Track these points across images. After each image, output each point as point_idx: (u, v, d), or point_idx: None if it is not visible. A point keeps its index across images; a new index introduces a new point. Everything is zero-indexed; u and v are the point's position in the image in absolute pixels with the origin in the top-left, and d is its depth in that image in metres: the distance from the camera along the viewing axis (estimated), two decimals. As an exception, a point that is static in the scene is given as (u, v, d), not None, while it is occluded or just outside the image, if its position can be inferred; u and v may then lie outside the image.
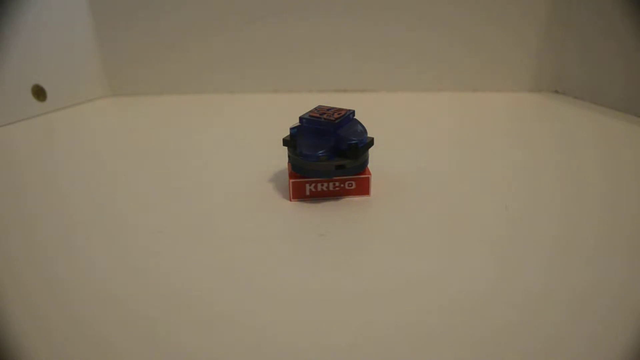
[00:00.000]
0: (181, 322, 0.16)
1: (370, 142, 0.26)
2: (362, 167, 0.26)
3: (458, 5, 0.54)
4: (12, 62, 0.44)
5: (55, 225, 0.23)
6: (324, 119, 0.25)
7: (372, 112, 0.47)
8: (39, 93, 0.48)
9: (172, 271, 0.19)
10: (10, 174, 0.31)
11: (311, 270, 0.19)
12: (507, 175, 0.30)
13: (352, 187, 0.26)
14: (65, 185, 0.29)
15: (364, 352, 0.15)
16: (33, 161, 0.34)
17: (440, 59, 0.57)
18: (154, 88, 0.59)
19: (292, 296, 0.17)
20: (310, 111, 0.27)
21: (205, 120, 0.47)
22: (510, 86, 0.58)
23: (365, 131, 0.26)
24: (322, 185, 0.26)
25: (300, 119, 0.26)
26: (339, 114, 0.26)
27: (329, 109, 0.27)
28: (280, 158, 0.32)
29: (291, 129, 0.26)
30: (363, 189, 0.26)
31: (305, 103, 0.41)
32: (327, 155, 0.25)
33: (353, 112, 0.27)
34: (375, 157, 0.30)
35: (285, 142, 0.27)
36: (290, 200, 0.26)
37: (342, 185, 0.26)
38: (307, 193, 0.26)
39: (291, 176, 0.26)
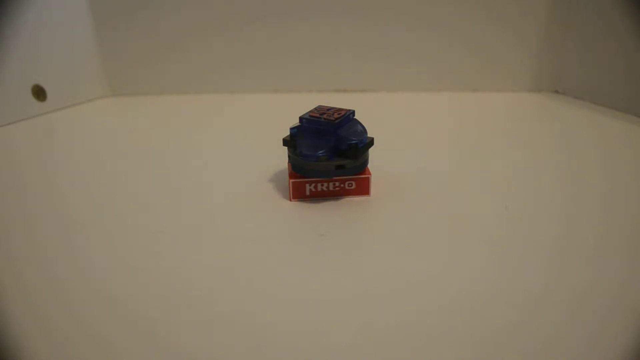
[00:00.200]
0: (181, 322, 0.16)
1: (370, 142, 0.26)
2: (362, 167, 0.26)
3: (458, 5, 0.54)
4: (12, 62, 0.44)
5: (55, 225, 0.23)
6: (324, 119, 0.25)
7: (372, 112, 0.47)
8: (39, 93, 0.48)
9: (172, 271, 0.19)
10: (10, 174, 0.31)
11: (311, 270, 0.19)
12: (507, 175, 0.30)
13: (352, 187, 0.26)
14: (65, 185, 0.29)
15: (364, 352, 0.15)
16: (33, 161, 0.34)
17: (440, 59, 0.57)
18: (154, 88, 0.59)
19: (292, 296, 0.17)
20: (310, 111, 0.27)
21: (205, 120, 0.47)
22: (510, 86, 0.58)
23: (365, 131, 0.26)
24: (322, 185, 0.26)
25: (300, 119, 0.26)
26: (339, 114, 0.26)
27: (329, 109, 0.27)
28: (280, 158, 0.32)
29: (291, 129, 0.26)
30: (363, 189, 0.26)
31: (305, 103, 0.41)
32: (327, 155, 0.25)
33: (353, 112, 0.27)
34: (375, 157, 0.30)
35: (285, 142, 0.27)
36: (290, 200, 0.26)
37: (342, 185, 0.26)
38: (307, 193, 0.26)
39: (291, 176, 0.26)
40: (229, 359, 0.14)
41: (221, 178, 0.30)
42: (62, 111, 0.50)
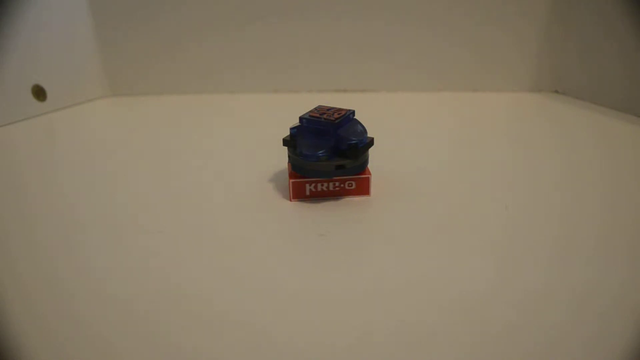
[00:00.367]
0: (181, 322, 0.16)
1: (370, 142, 0.26)
2: (362, 167, 0.26)
3: (458, 5, 0.54)
4: (12, 62, 0.44)
5: (55, 225, 0.23)
6: (324, 119, 0.25)
7: (372, 112, 0.47)
8: (39, 93, 0.48)
9: (172, 271, 0.19)
10: (10, 174, 0.31)
11: (311, 270, 0.19)
12: (507, 175, 0.30)
13: (352, 187, 0.26)
14: (65, 185, 0.29)
15: (364, 352, 0.15)
16: (33, 161, 0.34)
17: (440, 59, 0.57)
18: (154, 88, 0.59)
19: (292, 296, 0.17)
20: (310, 111, 0.27)
21: (205, 120, 0.47)
22: (510, 86, 0.58)
23: (365, 131, 0.26)
24: (322, 185, 0.26)
25: (300, 119, 0.26)
26: (339, 114, 0.26)
27: (329, 109, 0.27)
28: (280, 158, 0.32)
29: (291, 129, 0.26)
30: (363, 189, 0.26)
31: (305, 103, 0.41)
32: (327, 155, 0.25)
33: (353, 112, 0.27)
34: (375, 157, 0.30)
35: (285, 142, 0.27)
36: (290, 200, 0.26)
37: (342, 185, 0.26)
38: (307, 193, 0.26)
39: (291, 176, 0.26)
40: (229, 359, 0.14)
41: (221, 178, 0.30)
42: (62, 111, 0.50)
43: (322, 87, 0.59)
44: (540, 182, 0.28)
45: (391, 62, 0.57)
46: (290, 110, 0.44)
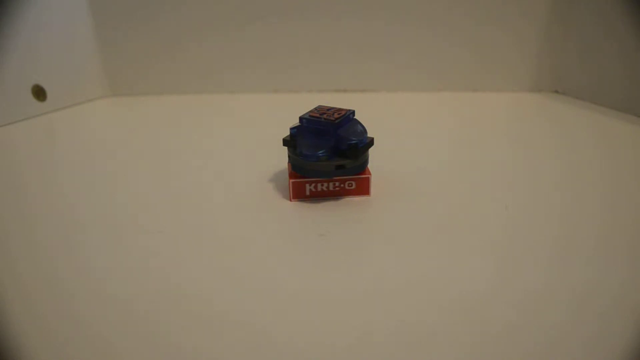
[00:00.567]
0: (181, 322, 0.16)
1: (370, 142, 0.26)
2: (362, 167, 0.26)
3: (458, 5, 0.54)
4: (12, 62, 0.44)
5: (55, 225, 0.23)
6: (324, 119, 0.25)
7: (372, 112, 0.47)
8: (39, 93, 0.48)
9: (172, 271, 0.19)
10: (10, 174, 0.31)
11: (311, 270, 0.19)
12: (507, 175, 0.30)
13: (352, 187, 0.26)
14: (65, 185, 0.29)
15: (364, 352, 0.15)
16: (33, 161, 0.34)
17: (440, 59, 0.57)
18: (154, 88, 0.59)
19: (292, 296, 0.17)
20: (310, 111, 0.27)
21: (205, 120, 0.47)
22: (510, 86, 0.58)
23: (365, 131, 0.26)
24: (322, 185, 0.26)
25: (300, 119, 0.26)
26: (339, 114, 0.26)
27: (329, 109, 0.27)
28: (280, 158, 0.32)
29: (291, 129, 0.26)
30: (363, 189, 0.26)
31: (305, 103, 0.41)
32: (327, 155, 0.25)
33: (353, 112, 0.27)
34: (375, 157, 0.30)
35: (285, 142, 0.27)
36: (290, 200, 0.26)
37: (342, 185, 0.26)
38: (307, 193, 0.26)
39: (291, 176, 0.26)
40: (229, 359, 0.14)
41: (221, 178, 0.30)
42: (62, 111, 0.50)
43: (322, 87, 0.59)
44: (540, 182, 0.28)
45: (391, 62, 0.57)
46: (290, 110, 0.44)
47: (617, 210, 0.24)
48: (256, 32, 0.56)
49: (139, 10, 0.55)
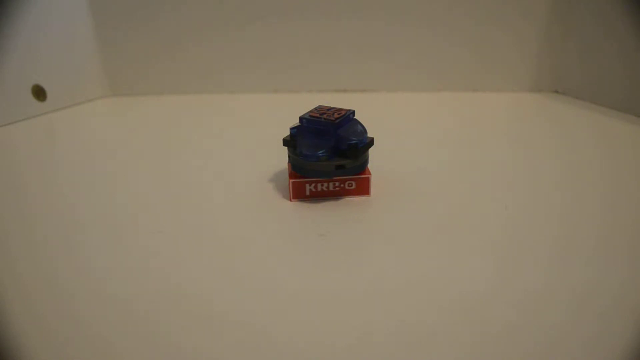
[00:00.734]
0: (181, 322, 0.16)
1: (370, 142, 0.26)
2: (362, 167, 0.26)
3: (458, 5, 0.54)
4: (12, 62, 0.44)
5: (55, 225, 0.23)
6: (324, 119, 0.25)
7: (372, 112, 0.47)
8: (39, 93, 0.48)
9: (172, 271, 0.19)
10: (10, 174, 0.31)
11: (311, 270, 0.19)
12: (507, 175, 0.30)
13: (352, 187, 0.26)
14: (65, 185, 0.29)
15: (364, 352, 0.15)
16: (33, 161, 0.34)
17: (440, 59, 0.57)
18: (154, 88, 0.59)
19: (292, 296, 0.17)
20: (310, 111, 0.27)
21: (205, 120, 0.47)
22: (510, 86, 0.58)
23: (365, 131, 0.26)
24: (322, 185, 0.26)
25: (300, 119, 0.26)
26: (339, 114, 0.26)
27: (329, 109, 0.27)
28: (280, 158, 0.32)
29: (291, 129, 0.26)
30: (363, 189, 0.26)
31: (305, 103, 0.42)
32: (327, 155, 0.25)
33: (353, 112, 0.27)
34: (375, 157, 0.30)
35: (285, 142, 0.27)
36: (290, 200, 0.26)
37: (342, 185, 0.26)
38: (307, 193, 0.26)
39: (291, 176, 0.26)
40: (229, 359, 0.14)
41: (221, 178, 0.30)
42: (62, 111, 0.50)
43: (322, 87, 0.59)
44: (540, 182, 0.28)
45: (391, 62, 0.57)
46: (290, 110, 0.44)
47: (617, 210, 0.24)
48: (256, 32, 0.56)
49: (139, 10, 0.55)
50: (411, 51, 0.57)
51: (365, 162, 0.26)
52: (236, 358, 0.14)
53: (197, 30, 0.56)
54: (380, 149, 0.32)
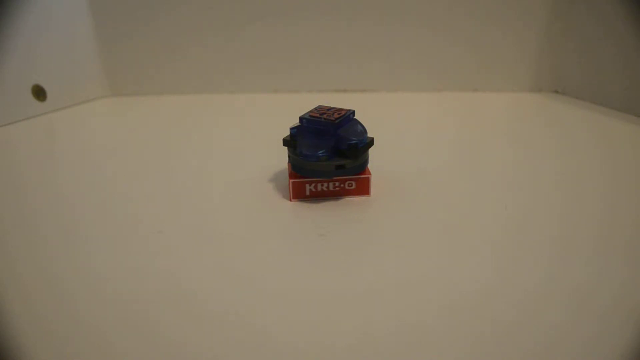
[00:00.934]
0: (181, 322, 0.16)
1: (370, 142, 0.26)
2: (362, 167, 0.26)
3: (458, 5, 0.54)
4: (12, 62, 0.44)
5: (55, 225, 0.23)
6: (324, 119, 0.25)
7: (372, 112, 0.47)
8: (39, 93, 0.48)
9: (172, 271, 0.19)
10: (10, 174, 0.31)
11: (311, 270, 0.19)
12: (507, 175, 0.30)
13: (352, 187, 0.26)
14: (65, 185, 0.29)
15: (364, 352, 0.15)
16: (33, 161, 0.34)
17: (440, 59, 0.57)
18: (154, 88, 0.59)
19: (291, 296, 0.17)
20: (310, 111, 0.27)
21: (205, 120, 0.47)
22: (510, 86, 0.58)
23: (365, 131, 0.26)
24: (322, 185, 0.26)
25: (300, 119, 0.26)
26: (339, 114, 0.26)
27: (329, 109, 0.27)
28: (280, 158, 0.32)
29: (291, 129, 0.26)
30: (363, 189, 0.26)
31: (305, 103, 0.41)
32: (327, 155, 0.25)
33: (353, 112, 0.27)
34: (375, 157, 0.30)
35: (285, 142, 0.27)
36: (290, 200, 0.26)
37: (342, 185, 0.26)
38: (307, 193, 0.26)
39: (291, 176, 0.26)
40: (229, 359, 0.14)
41: (221, 178, 0.30)
42: (62, 111, 0.50)
43: (322, 87, 0.59)
44: (540, 182, 0.28)
45: (391, 62, 0.57)
46: (290, 110, 0.44)
47: (617, 210, 0.24)
48: (256, 32, 0.56)
49: (139, 10, 0.55)
50: (411, 51, 0.57)
51: (365, 162, 0.26)
52: (236, 358, 0.14)
53: (197, 30, 0.56)
54: (380, 149, 0.32)
